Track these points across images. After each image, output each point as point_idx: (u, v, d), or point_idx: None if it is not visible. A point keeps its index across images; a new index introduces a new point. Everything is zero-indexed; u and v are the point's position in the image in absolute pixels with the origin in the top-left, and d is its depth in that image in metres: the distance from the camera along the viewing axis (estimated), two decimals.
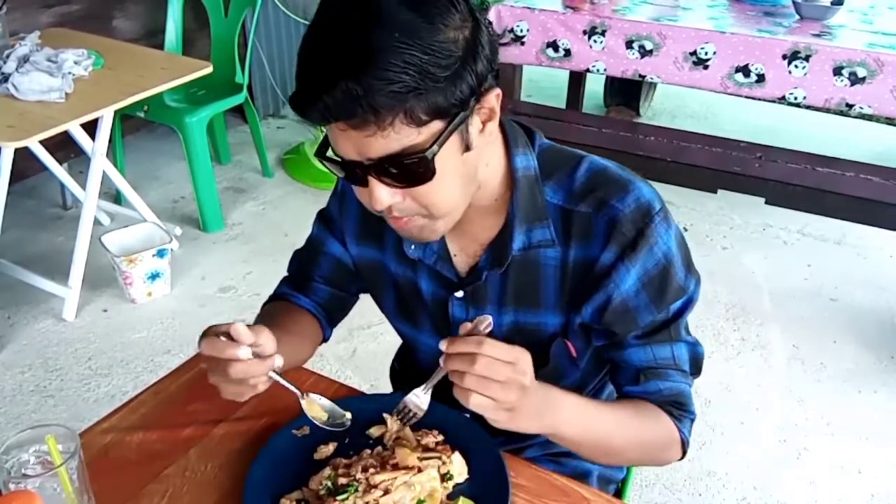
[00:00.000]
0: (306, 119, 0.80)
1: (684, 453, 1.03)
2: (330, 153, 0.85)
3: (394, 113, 0.75)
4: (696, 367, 1.03)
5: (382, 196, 0.83)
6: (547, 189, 0.96)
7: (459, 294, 1.03)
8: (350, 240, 1.12)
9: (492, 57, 0.83)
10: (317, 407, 0.97)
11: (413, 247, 1.02)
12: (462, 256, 1.02)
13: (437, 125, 0.79)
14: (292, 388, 0.94)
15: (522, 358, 0.82)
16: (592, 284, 0.96)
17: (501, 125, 0.95)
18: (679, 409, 1.00)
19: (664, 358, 0.99)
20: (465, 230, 0.99)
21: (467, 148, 0.85)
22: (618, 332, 0.98)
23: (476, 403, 0.80)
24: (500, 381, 0.80)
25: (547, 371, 1.08)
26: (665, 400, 0.99)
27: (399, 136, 0.77)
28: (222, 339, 0.87)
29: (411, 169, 0.80)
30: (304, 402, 0.96)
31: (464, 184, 0.88)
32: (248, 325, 0.90)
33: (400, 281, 1.09)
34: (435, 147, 0.80)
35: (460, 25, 0.79)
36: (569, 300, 0.99)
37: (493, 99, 0.85)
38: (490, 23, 0.84)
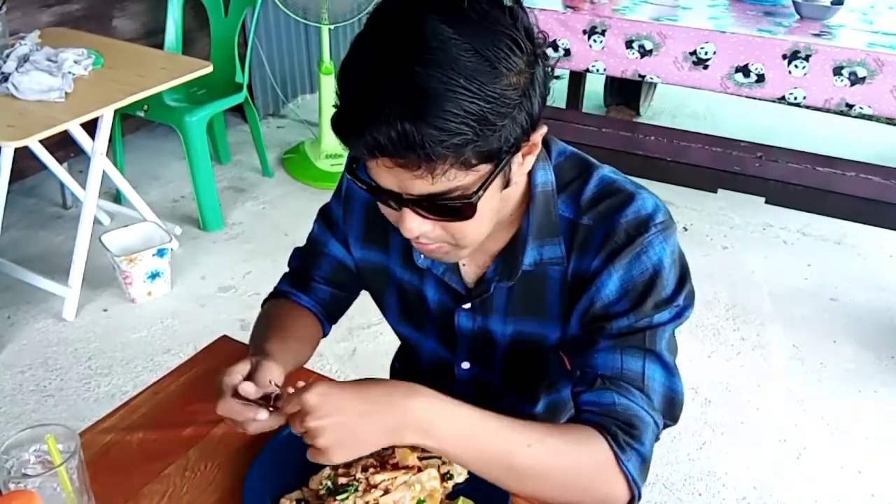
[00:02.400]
0: (347, 147, 0.77)
1: (633, 495, 0.88)
2: (362, 175, 0.83)
3: (447, 161, 0.73)
4: (669, 408, 0.91)
5: (414, 226, 0.82)
6: (560, 202, 0.95)
7: (467, 305, 1.03)
8: (354, 242, 1.11)
9: (546, 94, 0.79)
10: None
11: (423, 256, 1.00)
12: (471, 266, 1.02)
13: (485, 168, 0.77)
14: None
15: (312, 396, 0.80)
16: (580, 293, 0.93)
17: None
18: (627, 434, 0.86)
19: (632, 370, 0.88)
20: None
21: (507, 184, 0.83)
22: (593, 334, 0.92)
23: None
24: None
25: (542, 383, 1.08)
26: (615, 418, 0.86)
27: (446, 179, 0.75)
28: (236, 402, 0.87)
29: (453, 208, 0.79)
30: None
31: (495, 215, 0.87)
32: (255, 361, 0.91)
33: (405, 286, 1.08)
34: (481, 191, 0.78)
35: (523, 69, 0.75)
36: (565, 312, 0.97)
37: (539, 135, 0.82)
38: (547, 56, 0.80)
